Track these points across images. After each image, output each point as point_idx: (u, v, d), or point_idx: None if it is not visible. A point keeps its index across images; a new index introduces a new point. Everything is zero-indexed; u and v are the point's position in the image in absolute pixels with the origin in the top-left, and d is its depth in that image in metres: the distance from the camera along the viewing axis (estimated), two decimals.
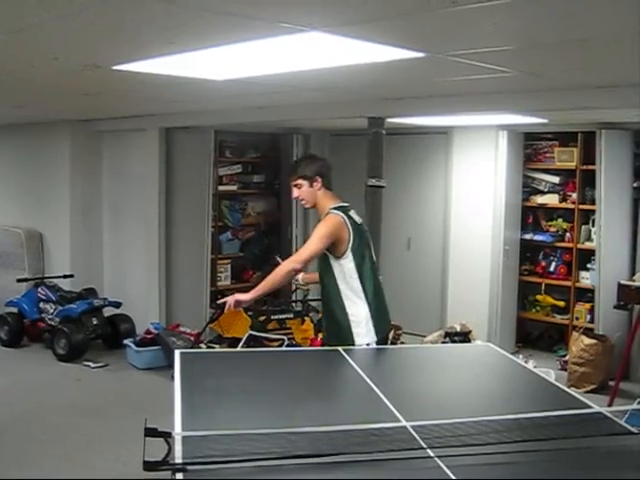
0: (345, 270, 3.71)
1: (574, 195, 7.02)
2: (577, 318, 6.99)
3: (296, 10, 2.34)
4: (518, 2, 2.17)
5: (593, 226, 6.80)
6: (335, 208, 3.75)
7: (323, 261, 3.77)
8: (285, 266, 3.68)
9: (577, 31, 2.60)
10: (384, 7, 2.29)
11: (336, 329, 3.76)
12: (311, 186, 3.80)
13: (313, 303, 6.93)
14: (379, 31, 2.64)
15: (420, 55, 3.08)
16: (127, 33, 2.79)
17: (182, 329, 6.80)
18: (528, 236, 7.37)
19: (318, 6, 2.30)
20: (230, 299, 3.67)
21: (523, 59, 3.27)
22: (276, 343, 6.19)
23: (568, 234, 7.13)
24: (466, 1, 2.13)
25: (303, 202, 3.86)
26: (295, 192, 3.85)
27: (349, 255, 3.70)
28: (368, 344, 3.69)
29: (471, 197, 7.32)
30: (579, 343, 6.25)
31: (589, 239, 6.96)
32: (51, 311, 7.10)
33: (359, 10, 2.32)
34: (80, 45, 3.05)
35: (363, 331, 3.70)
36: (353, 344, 3.66)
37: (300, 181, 3.80)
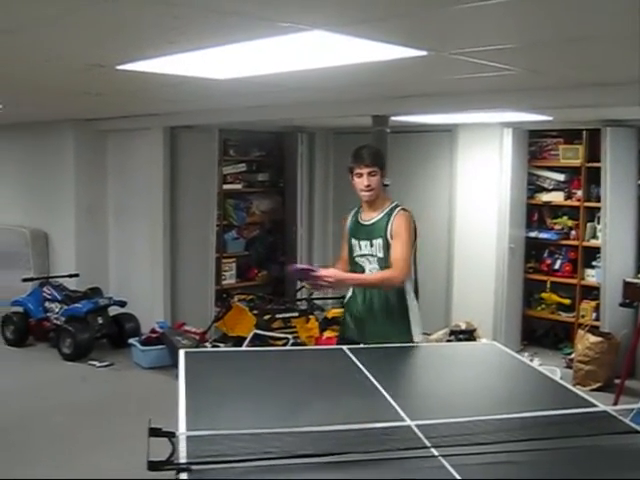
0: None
1: (579, 193, 7.01)
2: (583, 316, 6.97)
3: (299, 9, 2.34)
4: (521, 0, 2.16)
5: (598, 224, 6.78)
6: (398, 206, 3.79)
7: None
8: (387, 280, 3.65)
9: (581, 28, 2.59)
10: (387, 6, 2.28)
11: (395, 326, 3.75)
12: (382, 177, 3.75)
13: (318, 302, 6.94)
14: (382, 30, 2.63)
15: (423, 53, 3.07)
16: (130, 33, 2.79)
17: (187, 328, 6.80)
18: (533, 234, 7.35)
19: (320, 5, 2.29)
20: (332, 277, 3.55)
21: (527, 57, 3.26)
22: (281, 342, 6.19)
23: (573, 232, 7.12)
24: None
25: (371, 193, 3.72)
26: (366, 180, 3.69)
27: (412, 253, 3.75)
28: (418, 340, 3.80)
29: (476, 195, 7.32)
30: (585, 341, 6.23)
31: (594, 237, 6.93)
32: (56, 310, 7.12)
33: (361, 9, 2.32)
34: (84, 45, 3.05)
35: (418, 327, 3.78)
36: (410, 340, 3.73)
37: (376, 168, 3.72)
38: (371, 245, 3.73)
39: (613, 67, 3.50)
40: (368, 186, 3.70)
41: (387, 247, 3.69)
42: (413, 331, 3.75)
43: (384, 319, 3.75)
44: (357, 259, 3.77)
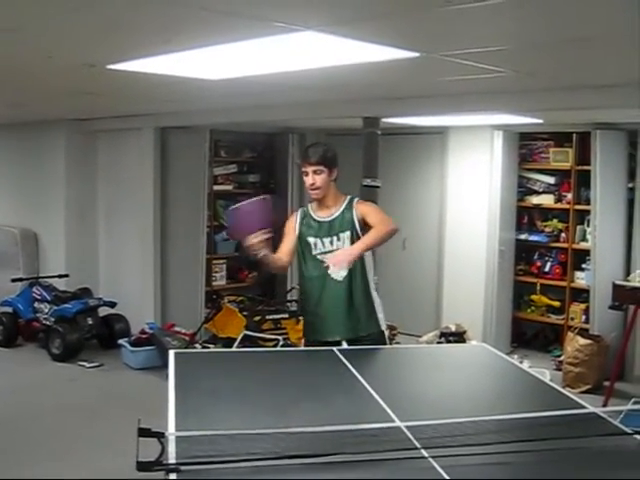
0: (369, 261, 3.78)
1: (569, 195, 7.04)
2: (572, 318, 7.00)
3: (291, 10, 2.34)
4: (512, 2, 2.17)
5: (588, 226, 6.81)
6: (356, 197, 3.81)
7: None
8: (389, 226, 3.63)
9: (572, 31, 2.60)
10: (378, 6, 2.29)
11: (362, 318, 3.73)
12: (329, 175, 3.69)
13: None
14: (373, 31, 2.64)
15: (415, 55, 3.08)
16: (123, 32, 2.79)
17: (177, 329, 6.79)
18: (523, 236, 7.38)
19: (313, 6, 2.30)
20: (340, 257, 3.49)
21: (518, 59, 3.28)
22: (271, 343, 6.18)
23: (563, 234, 7.15)
24: (460, 0, 2.13)
25: (317, 191, 3.70)
26: (311, 179, 3.67)
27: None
28: (385, 330, 3.84)
29: (466, 197, 7.33)
30: (574, 343, 6.25)
31: (584, 239, 6.97)
32: (46, 311, 7.08)
33: (353, 10, 2.33)
34: (75, 44, 3.05)
35: (383, 317, 3.82)
36: (378, 330, 3.76)
37: (322, 167, 3.66)
38: (338, 239, 3.70)
39: (606, 69, 3.52)
40: (312, 185, 3.68)
41: (358, 237, 3.67)
42: (381, 323, 3.80)
43: (350, 314, 3.72)
44: (319, 256, 3.74)
